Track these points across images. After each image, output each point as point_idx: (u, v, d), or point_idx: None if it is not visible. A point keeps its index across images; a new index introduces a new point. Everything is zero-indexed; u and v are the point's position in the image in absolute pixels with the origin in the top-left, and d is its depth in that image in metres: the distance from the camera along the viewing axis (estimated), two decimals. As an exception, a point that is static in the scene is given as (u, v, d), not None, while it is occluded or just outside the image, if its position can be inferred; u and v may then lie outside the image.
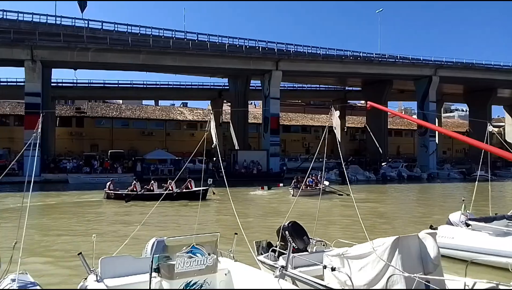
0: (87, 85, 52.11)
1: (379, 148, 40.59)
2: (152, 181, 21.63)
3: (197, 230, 7.55)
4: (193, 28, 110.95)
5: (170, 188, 20.22)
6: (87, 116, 53.20)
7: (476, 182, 11.66)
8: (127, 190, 21.57)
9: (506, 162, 43.14)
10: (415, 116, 60.35)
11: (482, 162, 12.65)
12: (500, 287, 4.35)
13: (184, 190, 20.87)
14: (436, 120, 55.91)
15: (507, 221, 9.96)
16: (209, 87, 56.17)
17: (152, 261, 4.84)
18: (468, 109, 66.45)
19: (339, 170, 34.53)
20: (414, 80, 48.04)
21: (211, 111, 54.00)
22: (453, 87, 56.23)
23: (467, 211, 10.17)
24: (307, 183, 24.12)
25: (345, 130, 62.26)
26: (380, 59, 45.62)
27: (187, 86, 56.33)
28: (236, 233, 6.17)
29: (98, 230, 12.81)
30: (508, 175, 41.32)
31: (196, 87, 56.50)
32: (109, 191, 21.82)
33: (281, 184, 28.72)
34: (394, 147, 60.40)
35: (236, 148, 45.67)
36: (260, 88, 44.66)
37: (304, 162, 43.76)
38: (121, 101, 65.15)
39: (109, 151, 43.81)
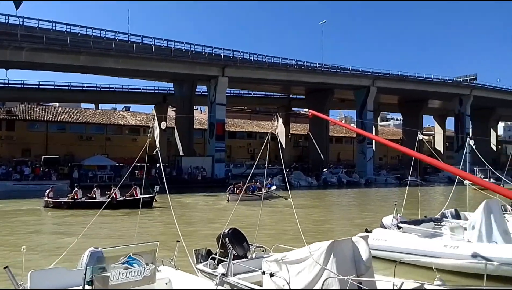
0: (20, 86, 48.58)
1: (321, 155, 42.03)
2: (95, 189, 20.62)
3: (137, 239, 7.32)
4: (137, 31, 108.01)
5: (114, 196, 19.43)
6: (19, 119, 49.45)
7: (407, 187, 12.45)
8: (67, 198, 20.39)
9: (435, 168, 46.53)
10: (353, 125, 63.29)
11: (413, 168, 13.60)
12: (425, 286, 4.67)
13: (128, 198, 20.02)
14: (373, 128, 59.06)
15: (434, 223, 10.77)
16: (153, 91, 54.80)
17: (85, 273, 4.63)
18: (402, 118, 70.91)
19: (282, 176, 35.26)
20: (354, 90, 50.46)
21: (155, 118, 52.84)
22: (389, 98, 59.79)
23: (399, 215, 10.84)
24: (251, 189, 24.52)
25: (289, 137, 63.73)
26: (322, 69, 47.38)
27: (130, 90, 54.55)
28: (178, 241, 6.09)
29: (31, 241, 11.97)
30: (437, 180, 44.57)
31: (140, 91, 54.90)
32: (48, 199, 20.50)
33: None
34: (335, 153, 62.79)
35: (180, 153, 44.95)
36: (206, 93, 44.46)
37: (249, 168, 44.06)
38: (57, 104, 61.49)
39: (43, 156, 41.14)
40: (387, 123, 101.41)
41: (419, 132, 15.78)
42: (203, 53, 41.33)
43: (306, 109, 66.55)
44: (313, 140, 45.08)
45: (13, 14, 35.17)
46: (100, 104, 63.42)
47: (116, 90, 53.75)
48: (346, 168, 49.35)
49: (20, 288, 4.76)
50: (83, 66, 37.02)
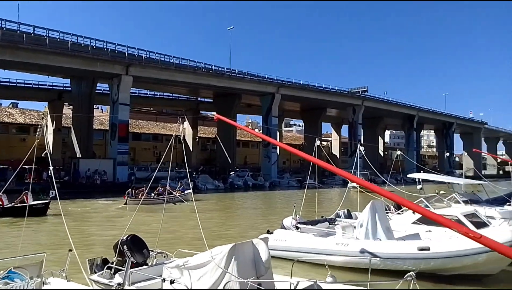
0: None
1: (228, 158, 42.52)
2: None
3: (24, 251, 6.58)
4: (28, 21, 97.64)
5: (0, 202, 17.17)
6: None
7: (306, 190, 13.22)
8: None
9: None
10: (258, 131, 65.27)
11: (312, 171, 14.49)
12: (318, 283, 4.99)
13: (18, 205, 17.77)
14: (278, 133, 61.67)
15: (329, 223, 11.59)
16: (46, 87, 49.90)
17: None
18: (303, 125, 75.28)
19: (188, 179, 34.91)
20: (260, 96, 52.13)
21: (44, 115, 48.07)
22: (292, 105, 63.02)
23: (298, 216, 11.44)
24: (158, 192, 23.92)
25: (197, 140, 63.29)
26: (230, 74, 48.01)
27: (18, 84, 48.92)
28: (70, 250, 5.62)
29: None
30: (333, 182, 48.04)
31: (31, 86, 49.52)
32: None
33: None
34: (242, 157, 64.06)
35: (78, 156, 41.62)
36: (108, 92, 41.91)
37: (155, 171, 42.63)
38: None
39: None
40: (290, 128, 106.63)
41: (316, 138, 16.92)
42: (105, 49, 38.90)
43: (214, 113, 66.61)
44: (221, 143, 45.46)
45: None
46: (-20, 99, 55.81)
47: (1, 83, 47.78)
48: (252, 171, 50.62)
49: None
50: (-41, 55, 32.24)
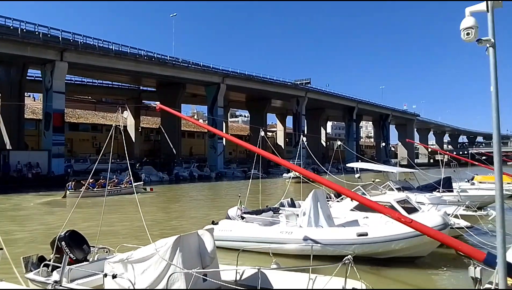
0: None
1: (173, 149, 41.69)
2: None
3: None
4: None
5: None
6: None
7: (250, 180, 13.37)
8: None
9: (276, 162, 51.02)
10: (203, 121, 64.65)
11: (258, 162, 14.68)
12: (262, 270, 5.12)
13: None
14: (223, 124, 61.50)
15: (273, 212, 11.83)
16: (-32, 72, 45.47)
17: None
18: (249, 116, 75.74)
19: (132, 171, 33.95)
20: (205, 86, 51.54)
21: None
22: (238, 95, 63.09)
23: (243, 206, 11.55)
24: (101, 184, 23.28)
25: (140, 130, 61.35)
26: (174, 62, 46.86)
27: None
28: (1, 248, 5.25)
29: None
30: (279, 172, 49.04)
31: (-50, 70, 44.87)
32: None
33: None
34: (188, 148, 63.15)
35: (7, 147, 38.57)
36: (41, 79, 39.13)
37: (94, 163, 40.79)
38: None
39: None
40: (236, 119, 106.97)
41: (261, 129, 17.14)
42: (36, 33, 36.14)
43: (158, 102, 64.98)
44: (165, 134, 44.39)
45: None
46: None
47: None
48: (198, 162, 50.13)
49: None
50: None
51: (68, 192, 23.22)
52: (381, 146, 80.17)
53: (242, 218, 10.89)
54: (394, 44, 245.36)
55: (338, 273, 4.80)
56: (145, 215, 7.36)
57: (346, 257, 4.43)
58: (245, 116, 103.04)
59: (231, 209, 11.60)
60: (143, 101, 65.01)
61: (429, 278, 8.27)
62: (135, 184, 25.08)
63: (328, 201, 12.26)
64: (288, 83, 62.42)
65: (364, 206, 9.69)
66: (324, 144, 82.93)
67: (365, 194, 12.34)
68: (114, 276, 4.85)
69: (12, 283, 5.17)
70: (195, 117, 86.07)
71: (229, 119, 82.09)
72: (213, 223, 10.82)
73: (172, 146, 40.80)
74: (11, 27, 34.77)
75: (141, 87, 60.57)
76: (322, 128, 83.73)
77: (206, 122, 58.64)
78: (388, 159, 76.05)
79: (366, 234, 8.73)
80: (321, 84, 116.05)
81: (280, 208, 12.66)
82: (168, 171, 42.70)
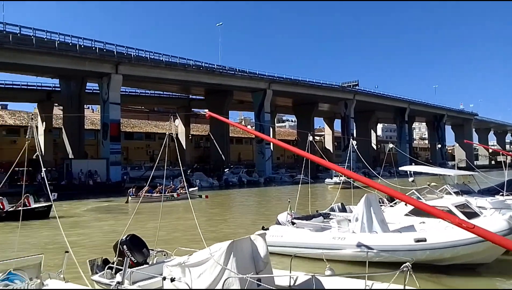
0: None
1: (222, 155, 42.50)
2: None
3: (24, 253, 6.58)
4: (14, 21, 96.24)
5: (1, 206, 16.95)
6: None
7: (300, 185, 13.29)
8: None
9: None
10: (251, 127, 65.24)
11: (306, 166, 14.59)
12: (316, 276, 5.08)
13: (20, 208, 17.48)
14: (270, 129, 61.73)
15: (323, 217, 11.67)
16: (35, 87, 49.35)
17: None
18: (296, 120, 75.43)
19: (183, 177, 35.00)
20: (252, 92, 52.08)
21: (37, 117, 47.60)
22: (284, 100, 63.07)
23: (292, 211, 11.49)
24: (159, 190, 24.37)
25: (190, 137, 63.11)
26: (221, 70, 47.88)
27: (7, 86, 48.33)
28: (67, 252, 5.63)
29: None
30: (328, 177, 48.23)
31: (19, 86, 48.97)
32: None
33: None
34: (236, 154, 64.02)
35: (70, 156, 41.29)
36: (98, 91, 41.57)
37: (148, 170, 42.59)
38: None
39: None
40: (283, 124, 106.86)
41: (309, 134, 17.00)
42: (93, 48, 38.53)
43: (207, 110, 66.68)
44: (214, 141, 45.36)
45: None
46: (-31, 101, 55.05)
47: (-11, 85, 47.20)
48: (247, 168, 50.65)
49: None
50: None
51: (130, 198, 24.42)
52: (437, 148, 76.49)
53: (293, 223, 10.83)
54: (447, 41, 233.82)
55: (396, 281, 4.64)
56: (198, 220, 7.56)
57: (405, 264, 4.27)
58: (292, 121, 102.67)
59: (281, 215, 11.58)
60: (192, 109, 66.89)
61: (493, 287, 7.75)
62: (190, 189, 26.14)
63: (380, 205, 11.89)
64: (336, 86, 61.47)
65: (420, 211, 9.31)
66: (374, 147, 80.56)
67: (420, 198, 11.81)
68: (172, 279, 5.03)
69: (77, 284, 5.50)
70: (243, 123, 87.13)
71: (276, 124, 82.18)
72: (263, 228, 10.85)
73: (221, 152, 41.61)
74: (70, 44, 37.32)
75: (190, 96, 62.38)
76: (372, 131, 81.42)
77: (254, 128, 59.18)
78: (444, 162, 72.33)
79: (425, 240, 8.36)
80: (369, 86, 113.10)
81: (331, 213, 12.46)
82: (218, 177, 43.52)
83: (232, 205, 26.62)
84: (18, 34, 34.73)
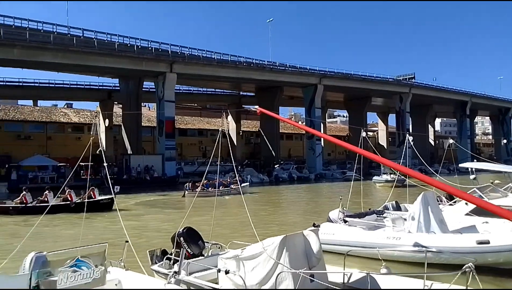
0: None
1: (272, 151, 42.68)
2: (47, 191, 18.66)
3: (87, 242, 7.07)
4: (78, 24, 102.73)
5: (70, 198, 18.25)
6: None
7: (352, 182, 13.01)
8: (14, 203, 18.58)
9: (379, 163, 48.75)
10: (302, 122, 64.76)
11: (359, 163, 14.24)
12: (371, 274, 4.98)
13: (86, 200, 18.77)
14: (321, 125, 60.90)
15: (377, 215, 11.34)
16: (97, 87, 52.51)
17: (30, 279, 4.44)
18: (348, 115, 73.74)
19: (234, 173, 35.62)
20: (302, 88, 51.67)
21: (99, 115, 50.66)
22: (336, 95, 61.91)
23: (344, 208, 11.29)
24: (216, 185, 25.20)
25: (241, 134, 63.96)
26: (271, 67, 47.99)
27: (71, 86, 51.86)
28: (126, 241, 5.97)
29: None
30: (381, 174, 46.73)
31: (82, 86, 52.35)
32: None
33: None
34: (286, 150, 63.96)
35: (128, 152, 43.53)
36: (154, 90, 43.38)
37: (201, 166, 43.85)
38: (-10, 100, 57.04)
39: (-25, 157, 38.05)
40: (335, 119, 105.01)
41: (362, 129, 16.57)
42: (150, 48, 40.26)
43: (257, 106, 67.10)
44: (264, 137, 45.70)
45: None
46: (39, 101, 59.74)
47: (56, 85, 50.88)
48: (297, 164, 50.45)
49: None
50: (18, 60, 34.70)
51: (186, 192, 25.36)
52: (502, 144, 71.30)
53: (345, 221, 10.65)
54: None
55: (457, 282, 4.43)
56: (249, 215, 7.69)
57: (467, 265, 4.07)
58: (343, 116, 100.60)
59: (333, 212, 11.42)
60: (243, 105, 67.70)
61: None
62: (243, 185, 26.69)
63: (439, 204, 11.34)
64: (390, 80, 59.27)
65: (482, 211, 8.76)
66: (432, 143, 76.72)
67: (483, 197, 11.12)
68: (227, 272, 5.18)
69: (139, 273, 5.82)
70: (293, 119, 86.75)
71: (327, 120, 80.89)
72: (314, 225, 10.74)
73: (271, 148, 41.80)
74: (128, 45, 39.29)
75: (241, 93, 63.17)
76: (429, 126, 77.57)
77: (304, 123, 58.71)
78: (510, 158, 67.32)
79: (488, 242, 7.87)
80: (427, 79, 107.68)
81: (385, 211, 12.08)
82: (268, 173, 43.77)
83: (282, 201, 26.67)
84: (81, 37, 37.16)
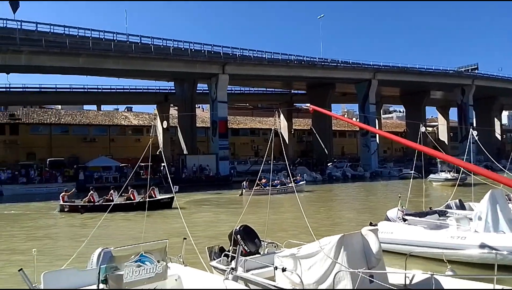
0: (22, 90, 48.70)
1: (325, 149, 42.05)
2: (112, 191, 19.69)
3: (148, 239, 7.42)
4: (135, 31, 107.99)
5: (132, 197, 19.32)
6: (22, 123, 49.70)
7: (411, 180, 12.47)
8: (82, 201, 19.99)
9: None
10: (356, 119, 63.13)
11: (417, 159, 13.62)
12: (435, 276, 4.74)
13: (147, 199, 19.69)
14: (376, 121, 58.94)
15: (438, 215, 10.78)
16: (154, 91, 54.87)
17: (99, 272, 4.71)
18: (404, 110, 70.71)
19: (287, 171, 35.54)
20: (355, 84, 50.35)
21: (157, 117, 52.96)
22: (391, 90, 59.63)
23: (403, 207, 10.85)
24: (273, 184, 25.42)
25: (292, 132, 63.72)
26: (323, 63, 47.27)
27: (131, 90, 54.66)
28: (185, 238, 6.16)
29: (44, 245, 12.08)
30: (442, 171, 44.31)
31: (141, 91, 54.97)
32: (63, 203, 19.99)
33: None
34: (339, 147, 62.75)
35: (184, 152, 45.05)
36: (207, 91, 44.50)
37: (254, 165, 44.28)
38: (60, 106, 61.70)
39: (48, 159, 41.30)
40: (390, 115, 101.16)
41: (421, 125, 15.79)
42: (203, 51, 41.34)
43: (308, 104, 66.56)
44: (317, 134, 45.14)
45: (10, 18, 35.33)
46: (102, 105, 63.65)
47: (117, 90, 53.88)
48: (351, 162, 49.29)
49: (34, 289, 4.87)
50: (83, 68, 37.19)
51: (244, 190, 25.78)
52: None
53: (404, 220, 10.25)
54: None
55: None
56: (304, 214, 7.63)
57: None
58: (400, 112, 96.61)
59: (391, 211, 11.04)
60: (294, 104, 67.36)
61: None
62: (299, 183, 26.73)
63: (508, 203, 10.55)
64: (450, 71, 55.98)
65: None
66: (499, 137, 71.36)
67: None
68: (283, 270, 5.19)
69: (197, 269, 5.98)
70: (346, 116, 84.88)
71: (382, 116, 77.98)
72: (371, 224, 10.46)
73: (323, 146, 41.18)
74: (183, 49, 40.65)
75: (292, 91, 62.91)
76: (495, 119, 72.18)
77: (358, 120, 57.23)
78: None
79: None
80: (492, 69, 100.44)
81: (448, 210, 11.46)
82: (321, 171, 43.20)
83: (336, 199, 26.23)
84: (139, 44, 39.03)
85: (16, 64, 34.08)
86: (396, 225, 10.19)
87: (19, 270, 4.94)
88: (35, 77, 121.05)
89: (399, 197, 11.03)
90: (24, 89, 48.84)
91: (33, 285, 4.88)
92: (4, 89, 47.29)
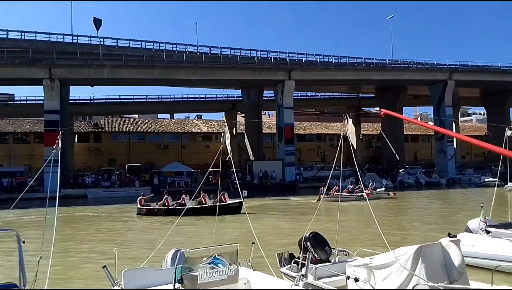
0: (104, 101, 53.16)
1: (396, 155, 40.20)
2: (184, 195, 20.52)
3: (218, 242, 7.62)
4: (205, 42, 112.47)
5: (203, 201, 20.11)
6: (105, 131, 54.18)
7: (495, 188, 11.45)
8: (158, 205, 21.09)
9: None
10: (431, 122, 59.58)
11: (502, 166, 12.45)
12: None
13: (218, 203, 20.32)
14: (453, 124, 55.04)
15: (529, 227, 9.74)
16: (222, 99, 56.66)
17: (175, 272, 4.91)
18: (486, 112, 65.27)
19: (355, 178, 34.46)
20: (429, 85, 47.56)
21: (225, 124, 54.58)
22: (470, 91, 55.44)
23: (486, 218, 9.96)
24: (347, 190, 25.72)
25: (361, 137, 61.83)
26: (393, 65, 45.41)
27: (201, 99, 56.98)
28: (253, 243, 6.22)
29: (124, 244, 12.96)
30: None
31: (210, 99, 57.08)
32: (141, 207, 21.28)
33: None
34: (411, 153, 59.61)
35: (251, 158, 45.76)
36: (273, 98, 44.89)
37: (320, 171, 43.67)
38: (137, 115, 66.24)
39: (126, 165, 44.40)
40: (469, 118, 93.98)
41: (507, 128, 14.44)
42: (269, 58, 41.91)
43: (377, 108, 64.16)
44: (386, 139, 43.39)
45: (94, 35, 38.86)
46: (174, 114, 67.15)
47: (188, 100, 56.47)
48: (425, 168, 46.46)
49: (116, 287, 5.20)
50: (157, 79, 39.65)
51: (321, 196, 25.43)
52: None
53: (487, 232, 9.42)
54: None
55: None
56: (372, 222, 7.35)
57: None
58: (480, 114, 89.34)
59: (472, 221, 10.19)
60: (362, 108, 65.40)
61: None
62: (378, 190, 26.71)
63: None
64: (539, 69, 50.68)
65: None
66: None
67: None
68: (356, 279, 5.03)
69: (265, 274, 6.01)
70: (419, 119, 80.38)
71: (460, 119, 72.72)
72: (449, 235, 9.75)
73: (394, 152, 39.39)
74: (249, 57, 41.56)
75: (359, 95, 61.18)
76: None
77: (432, 124, 53.92)
78: None
79: None
80: None
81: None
82: (392, 178, 41.28)
83: (409, 207, 24.86)
84: (209, 54, 40.68)
85: (100, 77, 37.32)
86: (478, 237, 9.40)
87: (103, 267, 5.33)
88: (115, 89, 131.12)
89: (481, 206, 10.14)
90: (106, 100, 53.28)
91: (115, 282, 5.23)
92: (89, 101, 51.98)
